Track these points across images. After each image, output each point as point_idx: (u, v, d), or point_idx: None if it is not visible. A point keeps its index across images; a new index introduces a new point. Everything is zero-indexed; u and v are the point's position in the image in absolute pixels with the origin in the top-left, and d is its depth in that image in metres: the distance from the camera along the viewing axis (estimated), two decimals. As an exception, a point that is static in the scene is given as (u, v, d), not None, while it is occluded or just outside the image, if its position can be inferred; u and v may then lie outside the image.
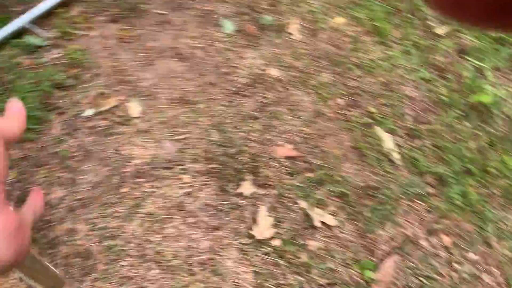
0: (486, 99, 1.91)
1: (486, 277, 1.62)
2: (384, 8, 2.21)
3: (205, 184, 1.69)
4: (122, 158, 1.70)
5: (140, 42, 1.97)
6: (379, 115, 1.91)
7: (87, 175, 1.65)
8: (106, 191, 1.63)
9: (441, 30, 2.18)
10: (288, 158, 1.78)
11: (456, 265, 1.63)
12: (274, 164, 1.76)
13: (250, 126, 1.84)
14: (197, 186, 1.67)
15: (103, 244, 1.51)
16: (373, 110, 1.92)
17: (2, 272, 0.32)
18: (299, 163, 1.78)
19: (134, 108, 1.81)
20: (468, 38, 2.16)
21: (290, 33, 2.11)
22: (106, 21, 2.00)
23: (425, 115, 1.94)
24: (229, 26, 2.07)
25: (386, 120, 1.89)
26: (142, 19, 2.03)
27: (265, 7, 2.16)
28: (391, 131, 1.87)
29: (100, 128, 1.74)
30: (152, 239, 1.54)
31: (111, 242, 1.52)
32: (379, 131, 1.86)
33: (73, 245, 1.50)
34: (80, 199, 1.61)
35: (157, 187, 1.66)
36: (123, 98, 1.82)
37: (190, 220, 1.60)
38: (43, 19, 1.93)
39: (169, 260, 1.49)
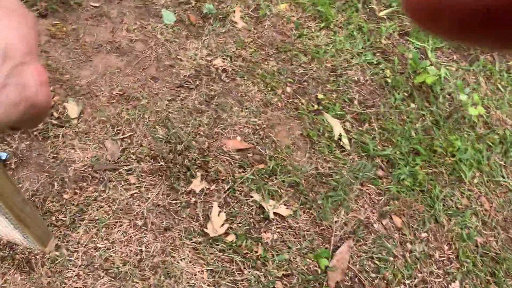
0: (429, 79, 1.95)
1: (438, 254, 1.66)
2: (327, -8, 2.20)
3: (154, 184, 1.62)
4: (62, 162, 1.60)
5: (74, 37, 1.85)
6: (327, 102, 1.90)
7: (23, 183, 1.54)
8: (46, 198, 1.53)
9: (383, 12, 2.20)
10: (239, 150, 1.74)
11: (409, 245, 1.66)
12: (224, 158, 1.71)
13: (198, 120, 1.78)
14: (144, 187, 1.60)
15: (46, 255, 1.41)
16: (321, 96, 1.91)
17: (44, 114, 0.35)
18: (250, 155, 1.74)
19: (72, 108, 1.70)
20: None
21: (234, 22, 2.05)
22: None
23: (372, 98, 1.95)
24: (169, 17, 1.98)
25: (335, 106, 1.89)
26: (75, 12, 1.91)
27: (207, -5, 2.09)
28: (339, 117, 1.87)
29: (36, 133, 1.62)
30: (99, 246, 1.46)
31: (55, 253, 1.43)
32: (328, 117, 1.85)
33: (12, 259, 1.40)
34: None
35: (102, 191, 1.57)
36: (59, 99, 1.71)
37: (139, 222, 1.53)
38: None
39: (118, 267, 1.42)
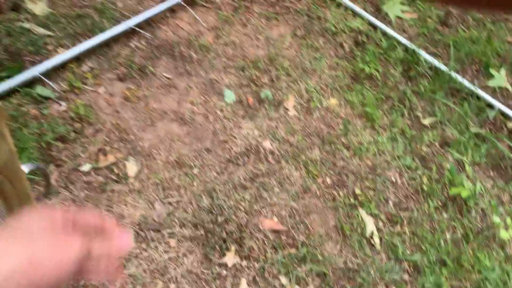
0: (464, 193, 2.03)
1: None
2: (376, 94, 2.37)
3: (191, 251, 1.73)
4: (113, 216, 1.74)
5: (144, 102, 2.06)
6: (364, 198, 2.00)
7: (76, 229, 1.68)
8: (93, 248, 1.65)
9: (427, 121, 2.33)
10: (274, 231, 1.84)
11: None
12: (259, 236, 1.81)
13: (240, 196, 1.90)
14: (182, 252, 1.71)
15: (83, 303, 1.52)
16: (358, 192, 2.01)
17: None
18: (284, 237, 1.84)
19: (131, 167, 1.87)
20: (452, 131, 2.31)
21: (286, 109, 2.23)
22: (114, 79, 2.10)
23: (406, 202, 2.04)
24: (230, 96, 2.18)
25: (370, 204, 1.98)
26: (148, 80, 2.14)
27: (266, 81, 2.30)
28: (373, 215, 1.95)
29: (96, 184, 1.79)
30: (132, 303, 1.56)
31: (92, 302, 1.53)
32: (363, 213, 1.94)
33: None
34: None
35: (144, 249, 1.69)
36: (122, 156, 1.89)
37: (172, 286, 1.63)
38: (54, 71, 2.02)
39: (147, 327, 1.51)
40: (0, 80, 1.88)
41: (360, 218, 1.93)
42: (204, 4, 2.50)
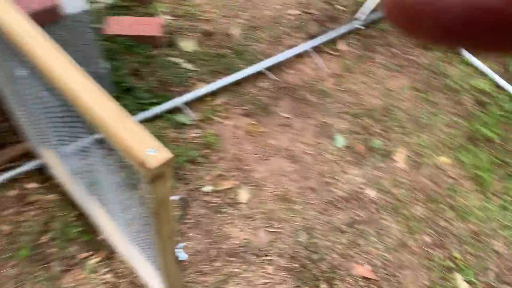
0: None
1: None
2: (491, 158, 2.31)
3: (284, 280, 1.90)
4: (222, 235, 2.00)
5: (262, 138, 2.31)
6: (462, 263, 1.98)
7: (191, 241, 1.97)
8: (202, 260, 1.92)
9: (547, 193, 2.21)
10: (364, 278, 1.93)
11: None
12: (349, 280, 1.91)
13: (337, 238, 2.03)
14: (276, 280, 1.89)
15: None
16: (457, 255, 2.00)
17: None
18: (374, 286, 1.91)
19: (243, 194, 2.12)
20: None
21: (394, 160, 2.30)
22: (240, 114, 2.39)
23: (510, 275, 1.96)
24: (340, 141, 2.33)
25: (468, 270, 1.95)
26: (269, 118, 2.39)
27: (378, 131, 2.40)
28: (470, 282, 1.92)
29: (212, 205, 2.07)
30: (228, 316, 1.77)
31: (195, 307, 1.78)
32: (459, 279, 1.92)
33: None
34: (181, 261, 1.92)
35: (244, 270, 1.91)
36: (237, 183, 2.15)
37: (264, 309, 1.81)
38: (193, 102, 2.38)
39: None
40: (152, 105, 2.28)
41: (455, 283, 1.91)
42: (330, 52, 2.70)
